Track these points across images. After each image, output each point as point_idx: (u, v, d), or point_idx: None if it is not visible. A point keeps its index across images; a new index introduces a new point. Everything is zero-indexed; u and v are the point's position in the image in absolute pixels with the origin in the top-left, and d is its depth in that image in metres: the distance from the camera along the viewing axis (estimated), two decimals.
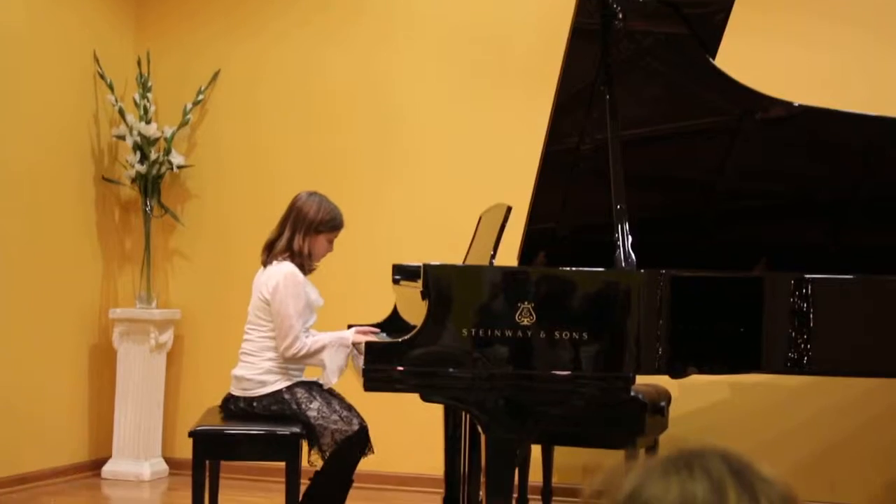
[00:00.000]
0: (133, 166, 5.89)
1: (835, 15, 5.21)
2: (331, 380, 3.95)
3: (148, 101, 5.94)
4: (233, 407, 4.08)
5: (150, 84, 5.98)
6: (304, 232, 4.08)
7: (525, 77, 5.47)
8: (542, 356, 3.12)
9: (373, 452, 4.06)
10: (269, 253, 4.12)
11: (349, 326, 4.21)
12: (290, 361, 4.02)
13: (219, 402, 4.17)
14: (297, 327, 3.97)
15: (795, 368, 3.31)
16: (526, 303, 3.12)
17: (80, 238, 5.90)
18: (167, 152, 5.93)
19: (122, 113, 5.91)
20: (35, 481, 5.48)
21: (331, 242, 4.17)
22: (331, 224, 4.13)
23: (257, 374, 4.03)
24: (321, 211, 4.11)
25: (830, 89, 4.98)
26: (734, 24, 3.68)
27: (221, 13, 6.10)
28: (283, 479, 3.93)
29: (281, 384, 4.02)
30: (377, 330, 4.08)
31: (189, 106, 5.98)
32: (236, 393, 4.07)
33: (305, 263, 4.09)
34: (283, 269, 4.03)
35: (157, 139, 5.92)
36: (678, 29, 3.61)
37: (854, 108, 3.90)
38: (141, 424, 5.81)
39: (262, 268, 4.14)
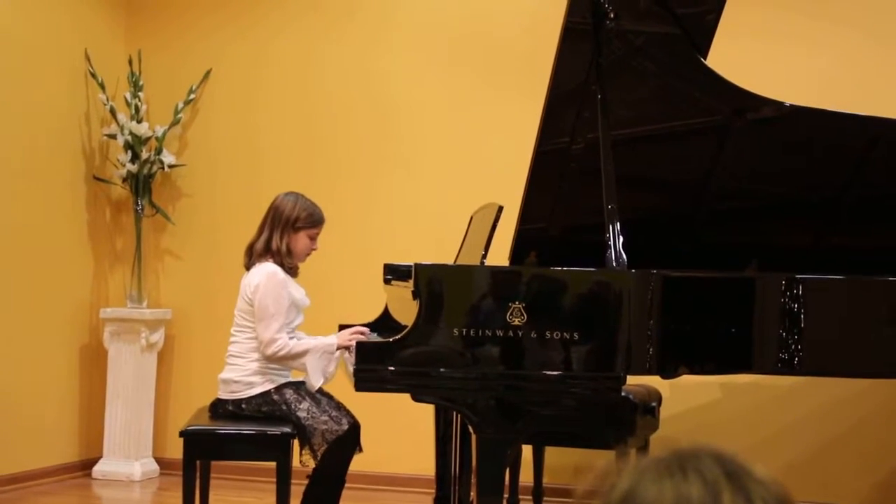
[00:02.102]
0: (124, 165, 5.88)
1: (826, 15, 5.22)
2: (313, 385, 3.94)
3: (139, 100, 5.92)
4: (221, 411, 4.06)
5: (141, 83, 5.96)
6: (283, 230, 4.07)
7: (518, 76, 5.47)
8: (532, 356, 3.12)
9: (361, 451, 4.06)
10: (251, 256, 4.11)
11: (341, 327, 4.20)
12: (273, 362, 4.00)
13: (209, 402, 4.15)
14: (274, 326, 3.94)
15: (786, 369, 3.31)
16: (517, 303, 3.11)
17: (71, 237, 5.88)
18: (158, 151, 5.91)
19: (113, 112, 5.90)
20: (25, 481, 5.46)
21: (313, 239, 4.14)
22: (309, 220, 4.11)
23: (244, 375, 4.01)
24: (297, 207, 4.10)
25: (821, 89, 4.99)
26: (725, 24, 3.68)
27: (213, 12, 6.09)
28: (274, 480, 3.93)
29: (269, 385, 4.00)
30: (366, 330, 4.07)
31: (181, 105, 5.97)
32: (224, 396, 4.05)
33: (286, 262, 4.07)
34: (265, 270, 4.02)
35: (148, 138, 5.91)
36: (670, 29, 3.61)
37: (845, 109, 3.90)
38: (131, 424, 5.79)
39: (246, 272, 4.13)
